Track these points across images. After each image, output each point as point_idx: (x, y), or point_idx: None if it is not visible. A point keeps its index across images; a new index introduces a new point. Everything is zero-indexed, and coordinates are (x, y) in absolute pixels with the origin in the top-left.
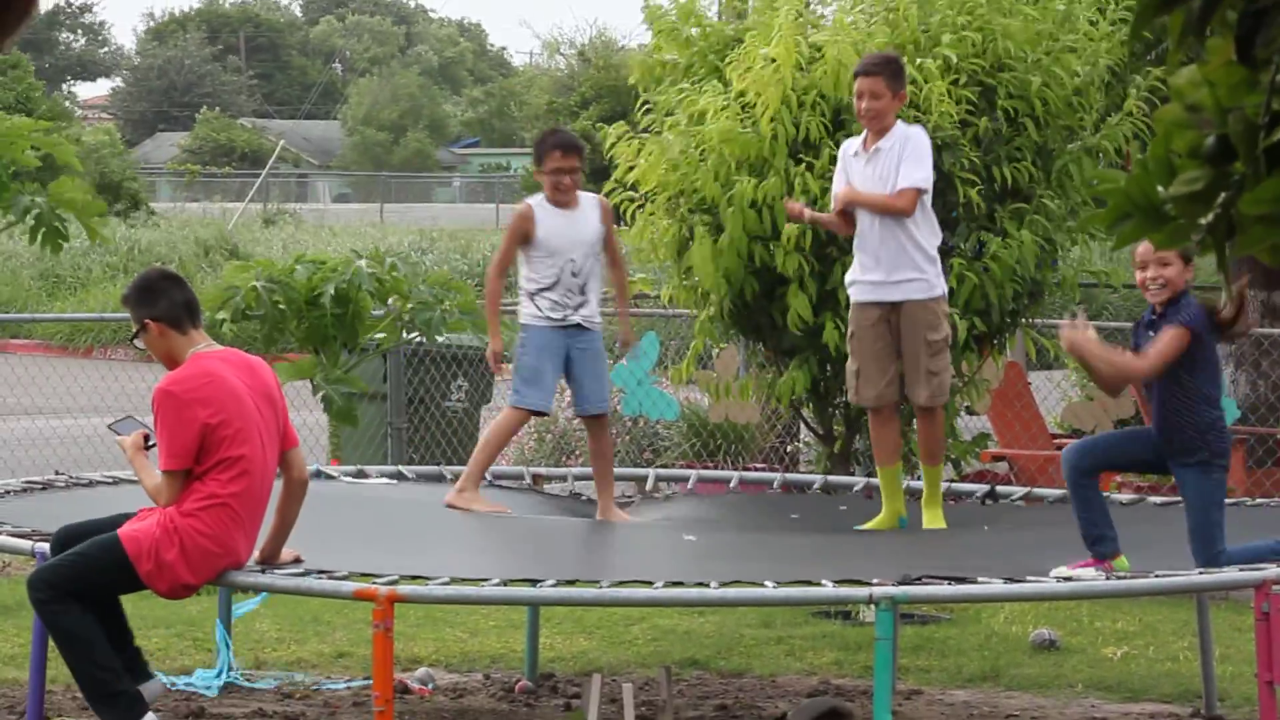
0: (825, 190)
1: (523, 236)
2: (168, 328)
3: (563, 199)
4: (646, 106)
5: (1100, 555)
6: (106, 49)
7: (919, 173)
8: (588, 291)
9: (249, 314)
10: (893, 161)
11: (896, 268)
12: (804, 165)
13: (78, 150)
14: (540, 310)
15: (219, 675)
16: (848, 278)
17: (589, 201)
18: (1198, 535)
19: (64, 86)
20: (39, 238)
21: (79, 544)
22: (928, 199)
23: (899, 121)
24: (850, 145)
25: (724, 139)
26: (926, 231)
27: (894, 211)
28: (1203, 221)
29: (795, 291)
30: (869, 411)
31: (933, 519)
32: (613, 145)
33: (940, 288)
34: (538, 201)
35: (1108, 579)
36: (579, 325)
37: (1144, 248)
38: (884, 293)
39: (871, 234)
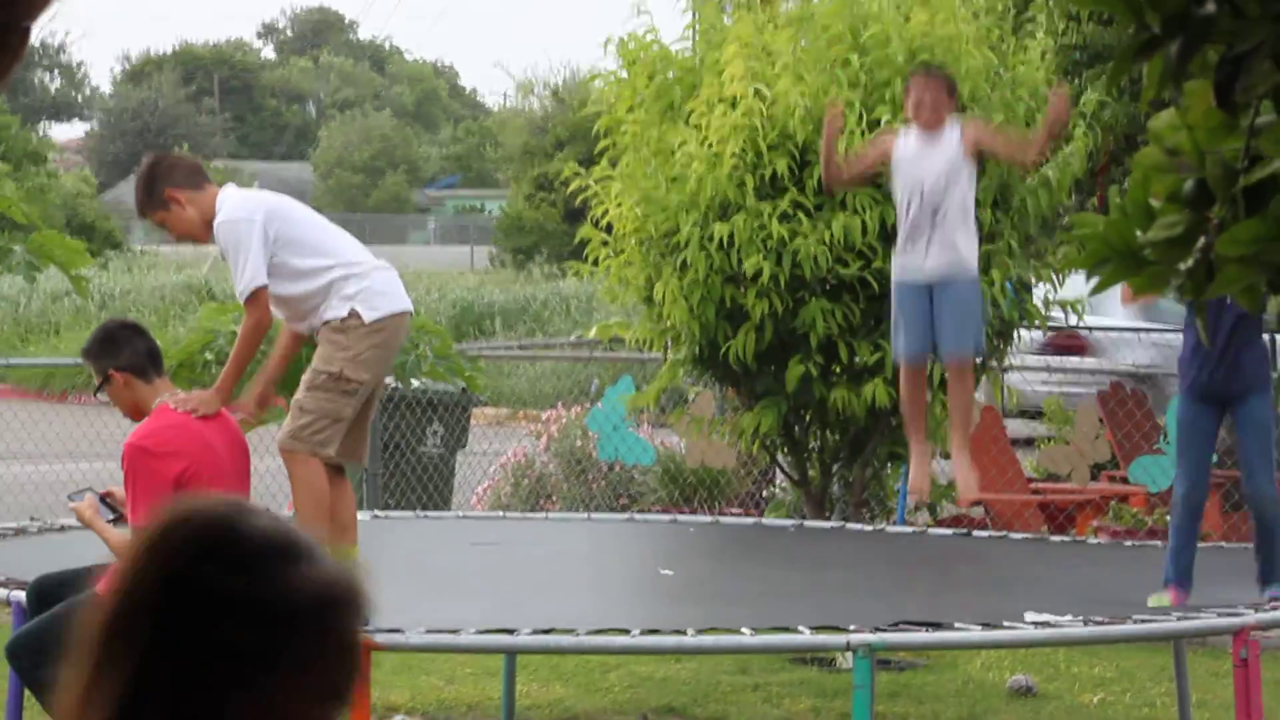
0: (793, 235)
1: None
2: (132, 377)
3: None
4: (610, 142)
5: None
6: (85, 91)
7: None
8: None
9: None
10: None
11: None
12: (772, 205)
13: (54, 194)
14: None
15: None
16: None
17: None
18: (1268, 459)
19: (39, 127)
20: (12, 268)
21: (55, 601)
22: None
23: None
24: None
25: (699, 179)
26: (304, 257)
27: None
28: (1182, 266)
29: (748, 329)
30: None
31: None
32: (585, 190)
33: (343, 311)
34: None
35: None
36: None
37: None
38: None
39: None
